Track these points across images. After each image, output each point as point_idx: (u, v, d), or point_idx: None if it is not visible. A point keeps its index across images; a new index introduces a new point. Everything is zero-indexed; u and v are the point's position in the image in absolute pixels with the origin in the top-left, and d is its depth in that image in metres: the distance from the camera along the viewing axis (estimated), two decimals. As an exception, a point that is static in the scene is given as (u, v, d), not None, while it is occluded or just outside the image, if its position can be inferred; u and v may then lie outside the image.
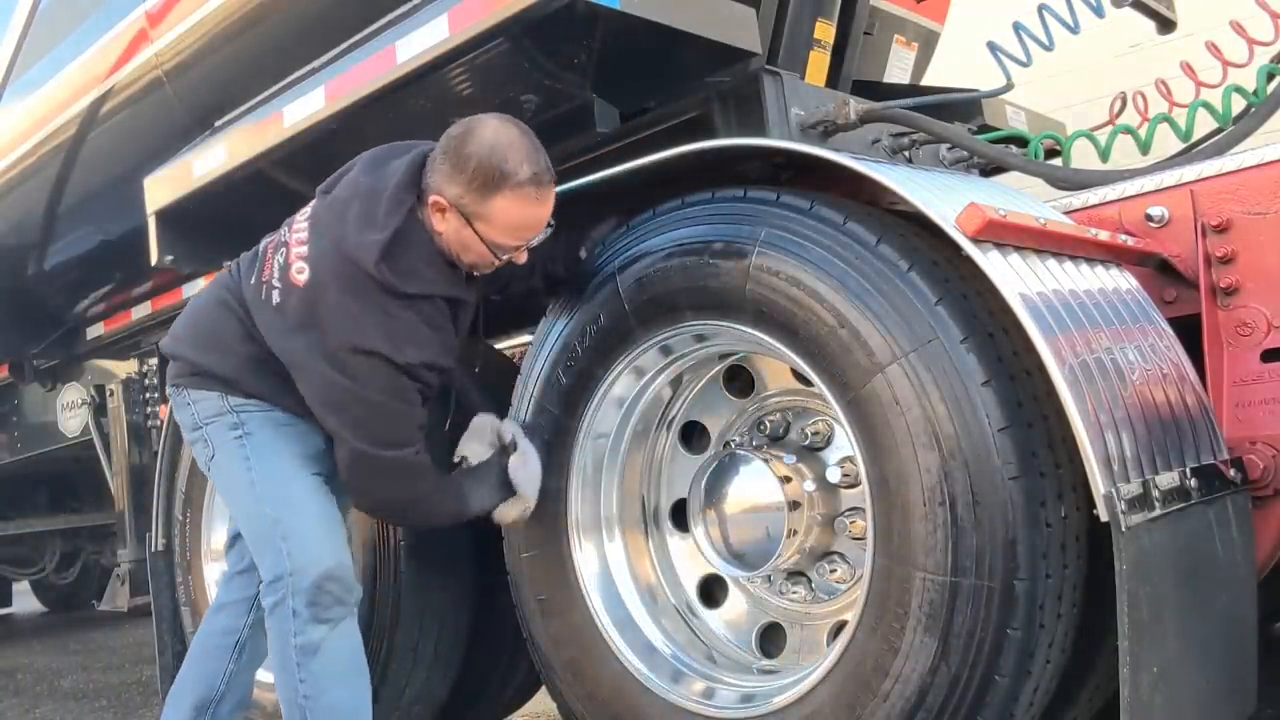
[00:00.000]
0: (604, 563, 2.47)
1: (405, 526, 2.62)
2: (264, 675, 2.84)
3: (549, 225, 2.23)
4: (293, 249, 2.24)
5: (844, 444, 2.25)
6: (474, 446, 2.45)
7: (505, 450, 2.42)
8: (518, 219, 2.15)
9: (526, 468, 2.38)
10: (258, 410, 2.33)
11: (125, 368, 4.95)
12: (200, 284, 4.24)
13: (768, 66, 2.65)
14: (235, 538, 2.58)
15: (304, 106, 2.87)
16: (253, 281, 2.30)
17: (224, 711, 2.49)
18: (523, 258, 2.25)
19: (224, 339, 2.35)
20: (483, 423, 2.47)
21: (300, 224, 2.28)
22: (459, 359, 2.40)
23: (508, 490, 2.37)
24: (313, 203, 2.33)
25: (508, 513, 2.40)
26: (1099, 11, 2.88)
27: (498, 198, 2.11)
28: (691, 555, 2.50)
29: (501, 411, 2.53)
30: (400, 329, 2.15)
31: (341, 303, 2.14)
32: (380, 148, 2.34)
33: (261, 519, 2.29)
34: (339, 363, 2.15)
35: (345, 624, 2.29)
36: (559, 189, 2.49)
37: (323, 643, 2.24)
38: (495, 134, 2.12)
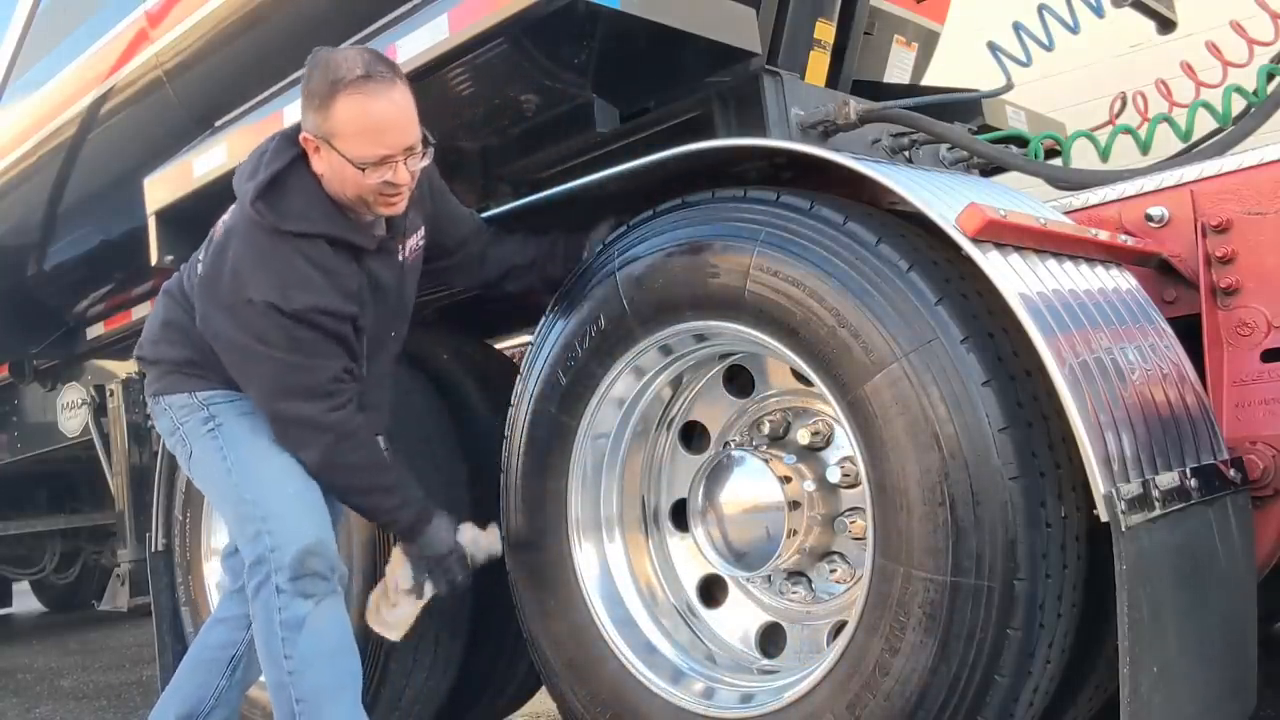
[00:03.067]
0: (604, 563, 2.47)
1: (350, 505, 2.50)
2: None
3: (428, 144, 2.18)
4: (217, 228, 2.30)
5: (844, 444, 2.25)
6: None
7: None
8: (362, 121, 2.09)
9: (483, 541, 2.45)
10: (224, 401, 2.33)
11: (125, 368, 4.94)
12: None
13: (768, 66, 2.64)
14: (234, 551, 2.52)
15: (304, 107, 2.86)
16: (194, 266, 2.36)
17: None
18: (403, 176, 2.13)
19: (175, 328, 2.38)
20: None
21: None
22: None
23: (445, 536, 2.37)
24: None
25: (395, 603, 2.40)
26: (1099, 11, 2.88)
27: (335, 106, 2.08)
28: (691, 555, 2.50)
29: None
30: (286, 271, 2.15)
31: (236, 254, 2.18)
32: None
33: (241, 504, 2.28)
34: (236, 318, 2.17)
35: (330, 600, 2.24)
36: (558, 189, 2.51)
37: (307, 618, 2.19)
38: (329, 55, 2.14)
